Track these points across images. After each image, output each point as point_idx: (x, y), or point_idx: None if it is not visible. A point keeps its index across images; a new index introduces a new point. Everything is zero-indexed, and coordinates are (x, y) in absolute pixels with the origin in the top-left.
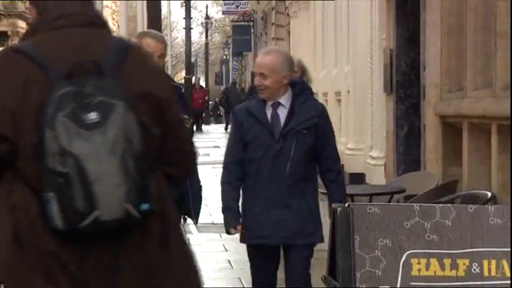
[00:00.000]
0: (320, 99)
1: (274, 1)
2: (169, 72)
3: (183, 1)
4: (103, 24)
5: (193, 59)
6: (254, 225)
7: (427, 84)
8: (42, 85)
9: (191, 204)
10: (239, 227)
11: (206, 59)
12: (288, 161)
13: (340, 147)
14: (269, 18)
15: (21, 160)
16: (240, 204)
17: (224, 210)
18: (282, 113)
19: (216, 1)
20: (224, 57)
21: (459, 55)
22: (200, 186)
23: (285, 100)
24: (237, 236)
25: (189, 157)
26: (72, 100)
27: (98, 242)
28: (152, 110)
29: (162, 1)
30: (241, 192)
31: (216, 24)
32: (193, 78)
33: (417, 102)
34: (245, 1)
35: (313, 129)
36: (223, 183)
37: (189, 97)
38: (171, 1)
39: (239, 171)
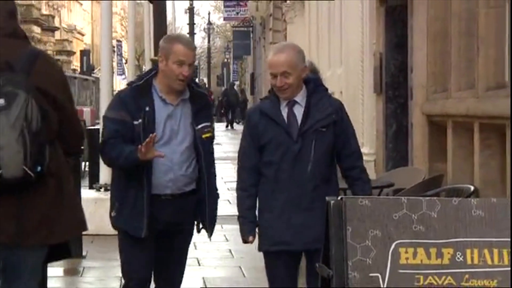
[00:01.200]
0: None
1: (271, 8)
2: None
3: (187, 8)
4: (23, 36)
5: (196, 62)
6: (274, 231)
7: (414, 86)
8: None
9: (207, 215)
10: (251, 238)
11: (209, 62)
12: (309, 162)
13: None
14: (267, 24)
15: None
16: (257, 210)
17: (240, 218)
18: (298, 112)
19: (217, 8)
20: (225, 60)
21: (444, 59)
22: (217, 194)
23: (300, 97)
24: (237, 226)
25: (77, 138)
26: None
27: (5, 195)
28: (50, 103)
29: (167, 8)
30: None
31: (218, 30)
32: (196, 80)
33: (405, 102)
34: (245, 8)
35: (331, 126)
36: (238, 189)
37: None
38: (176, 8)
39: (254, 177)
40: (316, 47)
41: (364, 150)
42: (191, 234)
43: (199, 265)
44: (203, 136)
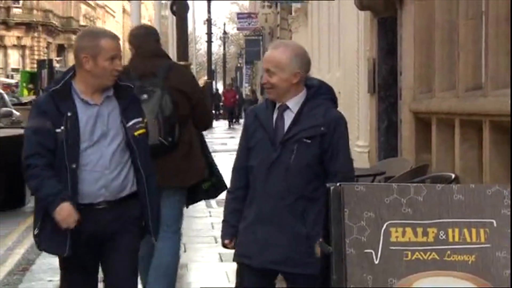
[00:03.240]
0: None
1: (279, 19)
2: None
3: (205, 19)
4: (163, 54)
5: (213, 67)
6: (240, 241)
7: (403, 87)
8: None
9: (149, 218)
10: (227, 241)
11: (224, 66)
12: (285, 173)
13: None
14: (274, 33)
15: None
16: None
17: (223, 221)
18: (289, 117)
19: (232, 20)
20: (239, 65)
21: (428, 63)
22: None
23: (293, 103)
24: None
25: (206, 118)
26: (137, 89)
27: (153, 157)
28: (184, 96)
29: (188, 19)
30: None
31: (232, 38)
32: (213, 82)
33: (395, 101)
34: (256, 19)
35: (318, 139)
36: (227, 192)
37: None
38: (195, 19)
39: (242, 179)
40: (317, 53)
41: (359, 142)
42: (135, 244)
43: (216, 242)
44: (136, 133)
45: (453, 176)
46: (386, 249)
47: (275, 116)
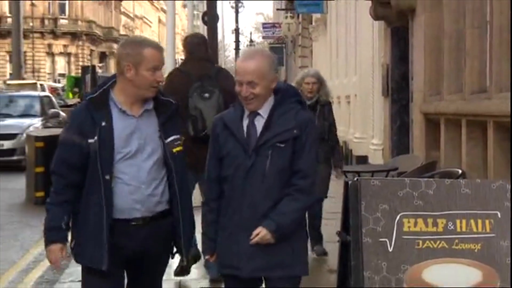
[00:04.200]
0: (334, 101)
1: (300, 29)
2: None
3: (233, 29)
4: (211, 59)
5: None
6: (224, 253)
7: (414, 90)
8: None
9: (182, 239)
10: (207, 257)
11: None
12: (262, 180)
13: (349, 137)
14: (296, 41)
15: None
16: None
17: (203, 236)
18: (259, 124)
19: (257, 29)
20: None
21: (437, 69)
22: (193, 215)
23: (264, 109)
24: None
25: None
26: (198, 88)
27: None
28: (228, 95)
29: (218, 29)
30: None
31: (258, 46)
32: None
33: (407, 103)
34: (279, 29)
35: (291, 142)
36: (202, 204)
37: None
38: (224, 28)
39: (215, 190)
40: (336, 59)
41: (374, 141)
42: (166, 263)
43: None
44: (174, 150)
45: (460, 171)
46: (399, 238)
47: (245, 123)
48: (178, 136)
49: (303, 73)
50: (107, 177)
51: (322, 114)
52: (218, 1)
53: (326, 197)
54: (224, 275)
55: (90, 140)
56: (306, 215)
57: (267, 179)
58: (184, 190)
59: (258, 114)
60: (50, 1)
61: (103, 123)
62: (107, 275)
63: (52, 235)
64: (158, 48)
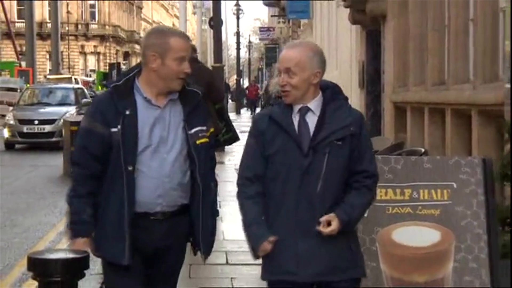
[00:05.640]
0: None
1: (290, 31)
2: (226, 75)
3: (235, 31)
4: (197, 60)
5: (241, 68)
6: (277, 257)
7: (385, 83)
8: None
9: (201, 236)
10: (272, 238)
11: (249, 68)
12: (319, 179)
13: None
14: (287, 42)
15: None
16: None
17: (249, 226)
18: (311, 121)
19: (255, 32)
20: (260, 66)
21: (404, 65)
22: (217, 212)
23: (314, 105)
24: None
25: (219, 96)
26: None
27: None
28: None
29: (222, 32)
30: None
31: (255, 46)
32: (241, 80)
33: (379, 94)
34: (273, 32)
35: (348, 140)
36: (244, 199)
37: (238, 89)
38: (228, 31)
39: (259, 186)
40: None
41: None
42: (183, 256)
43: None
44: (198, 142)
45: (423, 150)
46: (373, 205)
47: (295, 120)
48: (204, 127)
49: None
50: (130, 168)
51: None
52: (222, 9)
53: None
54: (273, 281)
55: (113, 129)
56: None
57: (325, 178)
58: (207, 184)
59: (309, 110)
60: (83, 9)
61: (127, 112)
62: (128, 269)
63: (76, 229)
64: (185, 37)
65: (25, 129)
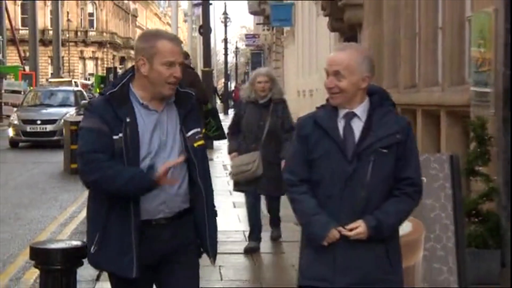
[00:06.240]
0: (299, 94)
1: (274, 38)
2: (215, 79)
3: (223, 38)
4: (189, 66)
5: (228, 72)
6: (315, 264)
7: None
8: None
9: (207, 238)
10: (340, 228)
11: (236, 72)
12: (363, 187)
13: None
14: (271, 48)
15: None
16: None
17: (312, 215)
18: (357, 126)
19: (242, 39)
20: (246, 70)
21: (379, 69)
22: (215, 212)
23: (360, 110)
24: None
25: (204, 97)
26: None
27: None
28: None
29: (211, 38)
30: None
31: (242, 52)
32: (229, 83)
33: None
34: (258, 38)
35: (394, 148)
36: (297, 195)
37: (225, 92)
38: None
39: (307, 187)
40: (301, 61)
41: None
42: (197, 257)
43: (231, 194)
44: (195, 144)
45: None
46: None
47: (341, 125)
48: (199, 130)
49: (255, 72)
50: None
51: (275, 111)
52: (211, 17)
53: (283, 194)
54: (307, 287)
55: (115, 137)
56: (266, 205)
57: (369, 187)
58: (207, 186)
59: (355, 115)
60: (82, 17)
61: (128, 119)
62: (137, 282)
63: (142, 172)
64: (174, 40)
65: (28, 128)
